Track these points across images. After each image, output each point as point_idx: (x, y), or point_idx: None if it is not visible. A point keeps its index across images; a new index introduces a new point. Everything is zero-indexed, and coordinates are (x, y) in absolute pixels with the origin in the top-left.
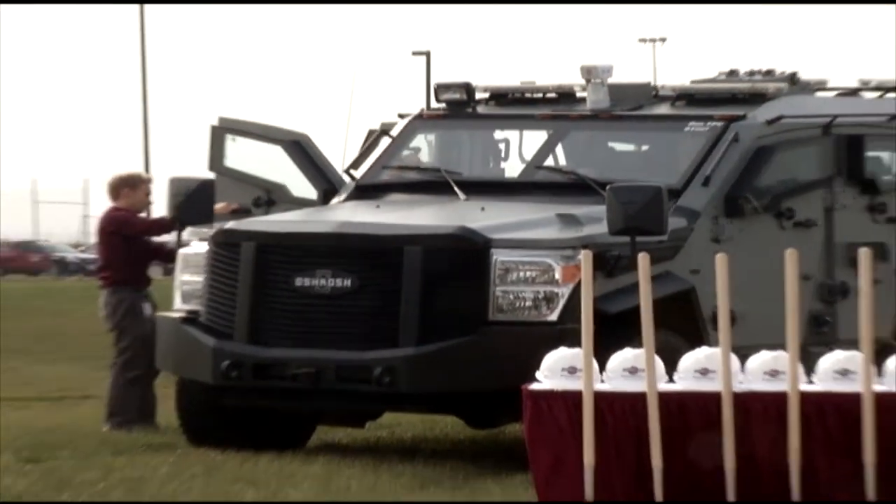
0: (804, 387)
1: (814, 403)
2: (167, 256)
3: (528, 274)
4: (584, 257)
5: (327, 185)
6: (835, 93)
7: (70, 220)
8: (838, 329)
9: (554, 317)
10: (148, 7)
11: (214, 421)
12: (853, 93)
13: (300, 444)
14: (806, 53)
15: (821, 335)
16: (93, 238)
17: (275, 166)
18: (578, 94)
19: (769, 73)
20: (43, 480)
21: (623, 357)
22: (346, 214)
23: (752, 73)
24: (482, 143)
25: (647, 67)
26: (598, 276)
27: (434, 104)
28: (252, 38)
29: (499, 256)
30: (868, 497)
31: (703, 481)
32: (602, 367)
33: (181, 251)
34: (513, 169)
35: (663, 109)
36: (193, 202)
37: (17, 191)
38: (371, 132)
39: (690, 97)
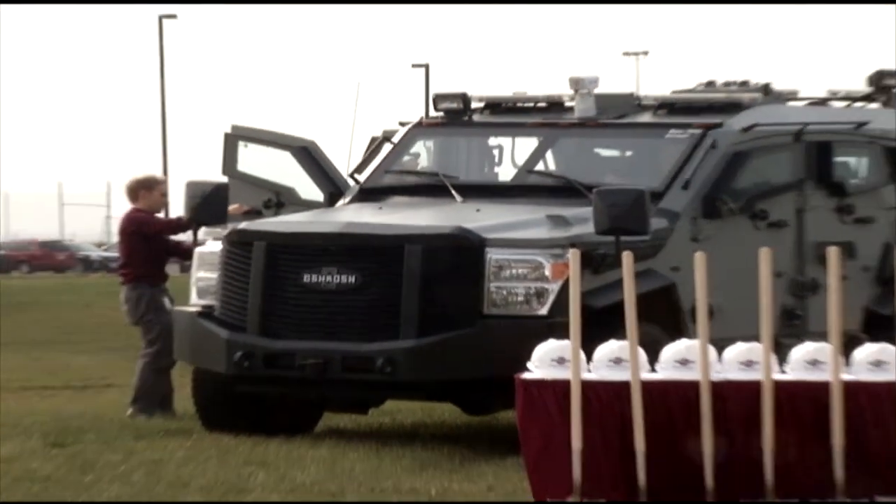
0: (777, 376)
1: (786, 391)
2: (184, 254)
3: (521, 271)
4: (573, 255)
5: (333, 188)
6: (805, 102)
7: (94, 220)
8: (809, 322)
9: (544, 311)
10: (167, 22)
11: (228, 408)
12: (822, 102)
13: (308, 430)
14: (778, 66)
15: (792, 328)
16: (115, 237)
17: (284, 171)
18: (567, 104)
19: (744, 84)
20: (68, 463)
21: (608, 348)
22: (351, 215)
23: (728, 84)
24: (477, 149)
25: (630, 79)
26: (586, 273)
27: (433, 113)
28: (263, 53)
29: (493, 255)
30: (836, 478)
31: (683, 464)
32: (589, 358)
33: (197, 250)
34: (506, 173)
35: (646, 118)
36: (208, 204)
37: (45, 193)
38: (374, 139)
39: (671, 106)
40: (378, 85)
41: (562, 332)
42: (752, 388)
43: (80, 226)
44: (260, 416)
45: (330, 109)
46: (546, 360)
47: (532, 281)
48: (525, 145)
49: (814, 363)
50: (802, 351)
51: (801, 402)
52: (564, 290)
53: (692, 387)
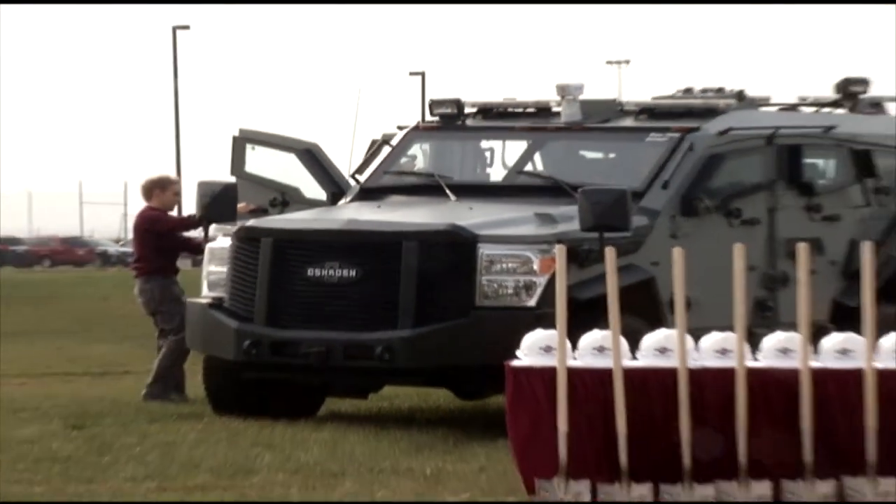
0: (750, 363)
1: (758, 378)
2: (194, 250)
3: (511, 265)
4: (559, 251)
5: (335, 188)
6: (777, 108)
7: (111, 218)
8: (780, 313)
9: (532, 302)
10: (180, 33)
11: (236, 393)
12: (792, 108)
13: (311, 414)
14: (751, 74)
15: (764, 318)
16: (131, 234)
17: (289, 171)
18: (554, 109)
19: (720, 90)
20: (87, 444)
21: (592, 337)
22: (352, 213)
23: (704, 91)
24: (470, 152)
25: (613, 86)
26: (571, 267)
27: (429, 118)
28: (270, 61)
29: (485, 250)
30: (805, 460)
31: (662, 446)
32: (574, 346)
33: (208, 245)
34: (497, 174)
35: (628, 122)
36: (218, 203)
37: (66, 193)
38: (374, 142)
39: (651, 111)
40: (377, 91)
41: (549, 323)
42: (727, 375)
43: (99, 223)
44: (266, 400)
45: (332, 114)
46: (534, 349)
47: (521, 275)
48: (515, 148)
49: (784, 351)
50: (774, 340)
51: (773, 388)
52: (551, 283)
53: (670, 374)
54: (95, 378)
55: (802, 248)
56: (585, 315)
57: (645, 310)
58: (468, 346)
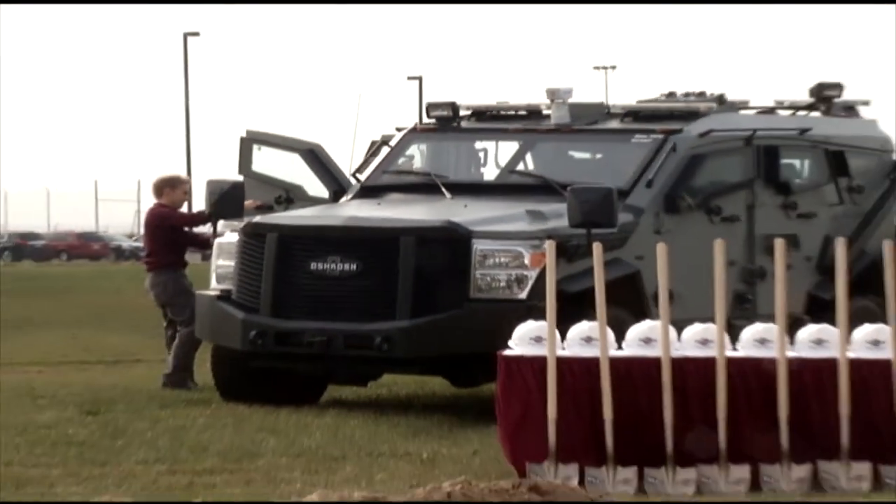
0: (729, 353)
1: (737, 367)
2: (202, 244)
3: (503, 260)
4: (549, 246)
5: (337, 186)
6: (755, 111)
7: (125, 214)
8: (758, 305)
9: (524, 295)
10: (191, 39)
11: (243, 381)
12: (770, 111)
13: (314, 400)
14: (731, 78)
15: (743, 310)
16: (142, 229)
17: (293, 171)
18: (544, 112)
19: (701, 94)
20: (101, 430)
21: (580, 328)
22: (353, 210)
23: (687, 95)
24: (465, 152)
25: (600, 90)
26: (560, 261)
27: (426, 120)
28: (276, 66)
29: (478, 245)
30: (782, 445)
31: (646, 432)
32: (563, 337)
33: (216, 240)
34: (490, 173)
35: (614, 124)
36: (226, 200)
37: (82, 191)
38: (373, 143)
39: (636, 114)
40: (377, 95)
41: (539, 314)
42: (708, 364)
43: (113, 219)
44: (271, 388)
45: (334, 116)
46: (525, 339)
47: (513, 269)
48: (507, 149)
49: (762, 342)
50: (752, 331)
51: (751, 376)
52: (541, 276)
53: (654, 363)
54: (109, 366)
55: (779, 244)
56: (574, 307)
57: (630, 302)
58: (463, 336)
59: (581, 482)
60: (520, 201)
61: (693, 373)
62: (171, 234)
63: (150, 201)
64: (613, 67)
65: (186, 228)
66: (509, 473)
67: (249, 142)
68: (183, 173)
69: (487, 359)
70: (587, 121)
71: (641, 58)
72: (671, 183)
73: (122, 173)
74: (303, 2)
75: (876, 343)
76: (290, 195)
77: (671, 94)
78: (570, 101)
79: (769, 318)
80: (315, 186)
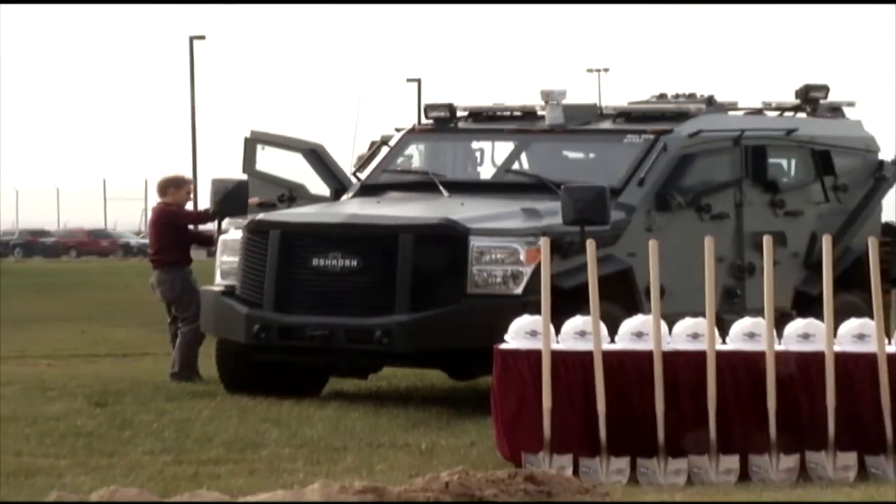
0: (719, 347)
1: (727, 360)
2: (205, 242)
3: (499, 256)
4: (543, 243)
5: (338, 185)
6: (743, 112)
7: (133, 212)
8: (746, 300)
9: (519, 290)
10: (196, 42)
11: (247, 373)
12: (758, 112)
13: (316, 392)
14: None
15: (732, 305)
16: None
17: (296, 170)
18: (539, 113)
19: (691, 96)
20: (109, 421)
21: (574, 323)
22: (353, 208)
23: (677, 96)
24: (462, 152)
25: (593, 91)
26: (555, 258)
27: (424, 120)
28: (279, 68)
29: (475, 242)
30: (771, 436)
31: (638, 423)
32: (557, 331)
33: (221, 237)
34: (486, 172)
35: (606, 125)
36: (231, 198)
37: (91, 189)
38: (373, 142)
39: (628, 115)
40: (377, 96)
41: (534, 309)
42: (699, 358)
43: (121, 217)
44: (275, 380)
45: (335, 117)
46: (520, 333)
47: (509, 265)
48: (503, 148)
49: (751, 336)
50: (741, 325)
51: (740, 369)
52: (536, 272)
53: (646, 356)
54: (117, 360)
55: (767, 241)
56: (568, 302)
57: (622, 297)
58: (460, 330)
59: (575, 472)
60: (515, 199)
61: (684, 366)
62: (176, 231)
63: (156, 200)
64: (606, 70)
65: (191, 226)
66: (506, 464)
67: (253, 142)
68: (187, 173)
69: (484, 352)
70: (580, 121)
71: (633, 60)
72: (662, 182)
73: (129, 172)
74: (306, 5)
75: (861, 337)
76: (293, 193)
77: (662, 96)
78: (564, 102)
79: (758, 312)
80: (317, 185)
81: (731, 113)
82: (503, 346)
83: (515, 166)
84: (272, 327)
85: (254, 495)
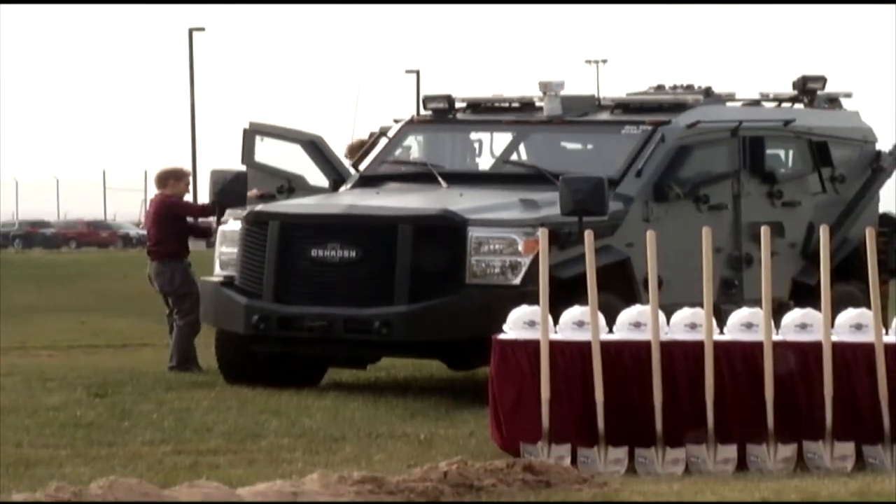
0: (717, 337)
1: (724, 350)
2: (203, 233)
3: (497, 246)
4: (542, 234)
5: (337, 176)
6: (741, 103)
7: (132, 203)
8: (744, 291)
9: (517, 281)
10: (196, 34)
11: (246, 364)
12: (755, 103)
13: (314, 383)
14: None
15: (730, 296)
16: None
17: (295, 161)
18: (537, 104)
19: (689, 87)
20: (108, 411)
21: (572, 313)
22: (352, 199)
23: (675, 88)
24: (460, 143)
25: (591, 83)
26: (553, 248)
27: (422, 112)
28: (278, 59)
29: (474, 232)
30: (768, 426)
31: (636, 413)
32: (556, 321)
33: (220, 228)
34: (485, 163)
35: (604, 116)
36: (230, 189)
37: (91, 180)
38: (372, 134)
39: (626, 106)
40: (376, 87)
41: (532, 299)
42: (696, 348)
43: (121, 208)
44: (273, 371)
45: (334, 108)
46: (519, 323)
47: (507, 255)
48: (501, 139)
49: (748, 326)
50: (738, 315)
51: (738, 360)
52: (535, 263)
53: (644, 346)
54: (117, 350)
55: (765, 231)
56: (566, 292)
57: (620, 288)
58: (459, 320)
59: (573, 462)
60: (513, 190)
61: (682, 356)
62: (175, 223)
63: (155, 191)
64: (604, 61)
65: (190, 219)
66: (504, 454)
67: (252, 133)
68: (186, 165)
69: (483, 343)
70: (578, 112)
71: (631, 52)
72: (660, 172)
73: (129, 163)
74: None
75: (859, 327)
76: (292, 185)
77: (660, 87)
78: (562, 93)
79: (755, 302)
80: (316, 176)
81: (728, 104)
82: (501, 336)
83: (514, 157)
84: (271, 318)
85: (253, 485)
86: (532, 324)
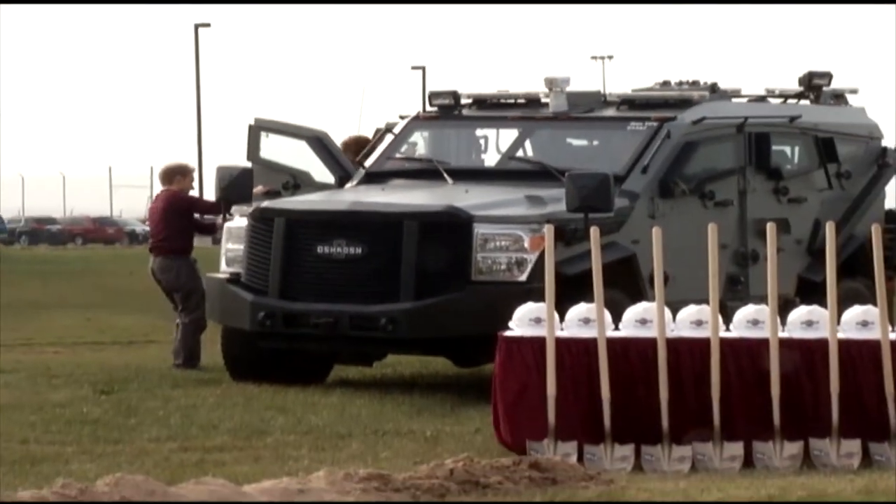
0: (723, 334)
1: (730, 347)
2: (208, 230)
3: (503, 243)
4: (548, 230)
5: (342, 172)
6: (747, 99)
7: (138, 199)
8: (750, 287)
9: (523, 277)
10: (202, 30)
11: (252, 361)
12: (761, 99)
13: (321, 380)
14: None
15: (736, 292)
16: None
17: (300, 157)
18: (543, 100)
19: (694, 83)
20: (115, 408)
21: (578, 310)
22: (358, 195)
23: (680, 84)
24: (466, 139)
25: (597, 79)
26: (559, 245)
27: (428, 108)
28: (284, 56)
29: (479, 229)
30: (774, 423)
31: (642, 410)
32: (562, 318)
33: (226, 224)
34: (490, 160)
35: (610, 112)
36: (236, 186)
37: (97, 176)
38: (377, 130)
39: (632, 102)
40: (381, 84)
41: (538, 296)
42: (702, 345)
43: (127, 204)
44: (279, 367)
45: (340, 105)
46: (525, 320)
47: (513, 252)
48: (507, 136)
49: (754, 323)
50: (745, 312)
51: (744, 356)
52: (541, 259)
53: (650, 343)
54: (123, 347)
55: (771, 228)
56: (572, 289)
57: (626, 284)
58: (464, 317)
59: (580, 459)
60: (519, 187)
61: (687, 353)
62: (183, 219)
63: (160, 187)
64: (610, 57)
65: (197, 215)
66: (509, 451)
67: (258, 129)
68: (191, 161)
69: (488, 339)
70: (584, 109)
71: (637, 48)
72: (665, 169)
73: (135, 160)
74: None
75: (865, 324)
76: (297, 181)
77: (665, 83)
78: (568, 89)
79: (761, 299)
80: (321, 172)
81: (734, 100)
82: (507, 333)
83: (519, 153)
84: (277, 315)
85: (259, 482)
86: (538, 320)
